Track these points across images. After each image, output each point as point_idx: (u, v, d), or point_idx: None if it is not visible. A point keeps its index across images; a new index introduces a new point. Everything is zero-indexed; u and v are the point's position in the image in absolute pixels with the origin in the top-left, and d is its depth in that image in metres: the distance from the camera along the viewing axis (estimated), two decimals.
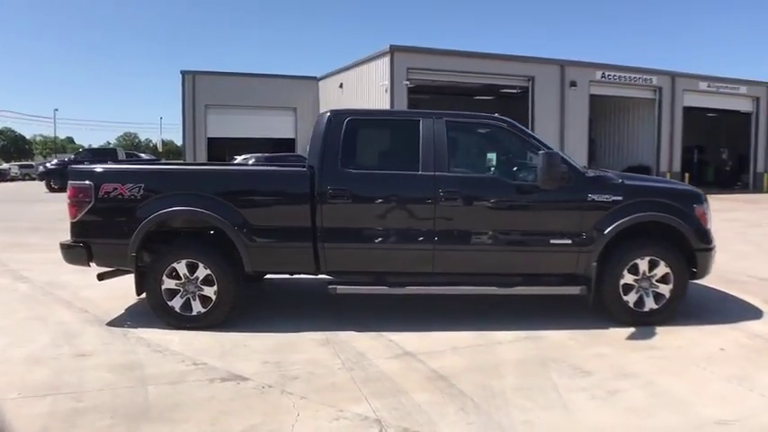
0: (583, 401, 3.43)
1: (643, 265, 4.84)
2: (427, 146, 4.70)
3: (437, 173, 4.67)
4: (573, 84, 22.31)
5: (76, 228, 4.76)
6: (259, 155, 17.65)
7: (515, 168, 4.94)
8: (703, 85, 24.76)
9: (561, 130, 22.43)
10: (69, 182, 4.78)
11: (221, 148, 31.62)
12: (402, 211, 4.75)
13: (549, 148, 4.84)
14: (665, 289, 4.88)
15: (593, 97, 22.96)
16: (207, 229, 4.82)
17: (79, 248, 4.74)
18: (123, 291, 5.65)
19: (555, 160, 4.53)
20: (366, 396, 3.43)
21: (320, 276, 4.93)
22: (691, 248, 4.88)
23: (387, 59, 19.86)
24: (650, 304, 4.88)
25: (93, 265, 4.89)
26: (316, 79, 29.73)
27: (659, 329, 4.74)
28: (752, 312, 5.34)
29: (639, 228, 4.87)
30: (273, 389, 3.51)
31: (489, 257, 4.81)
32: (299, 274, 4.92)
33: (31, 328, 4.72)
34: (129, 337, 4.46)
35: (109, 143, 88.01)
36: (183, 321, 4.66)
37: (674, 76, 24.09)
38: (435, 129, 4.76)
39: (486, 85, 22.09)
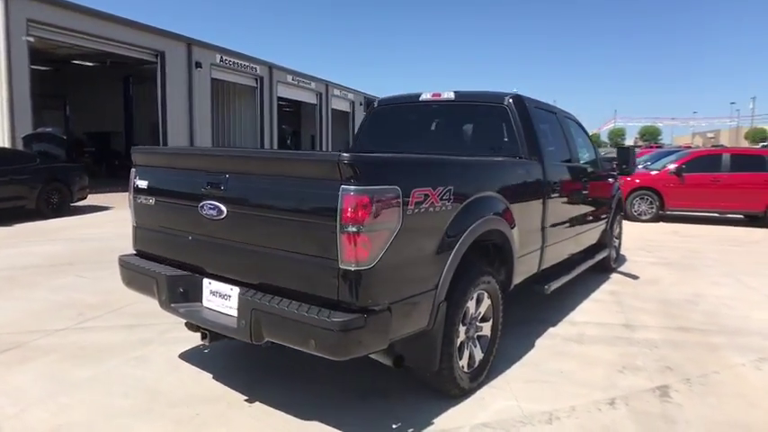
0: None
1: (616, 226, 6.78)
2: (569, 137, 5.03)
3: (581, 164, 5.12)
4: (198, 65, 21.55)
5: (376, 279, 2.45)
6: None
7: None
8: (290, 78, 28.48)
9: (190, 112, 21.44)
10: (351, 189, 2.35)
11: None
12: (576, 200, 4.94)
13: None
14: (617, 243, 6.99)
15: (214, 81, 22.86)
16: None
17: (383, 317, 2.53)
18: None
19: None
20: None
21: None
22: (624, 212, 7.15)
23: None
24: (613, 255, 6.88)
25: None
26: None
27: (631, 271, 6.74)
28: (628, 258, 7.90)
29: None
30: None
31: (590, 235, 5.59)
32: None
33: None
34: None
35: None
36: (466, 383, 3.30)
37: (271, 67, 26.60)
38: (564, 121, 5.11)
39: (107, 53, 18.42)
